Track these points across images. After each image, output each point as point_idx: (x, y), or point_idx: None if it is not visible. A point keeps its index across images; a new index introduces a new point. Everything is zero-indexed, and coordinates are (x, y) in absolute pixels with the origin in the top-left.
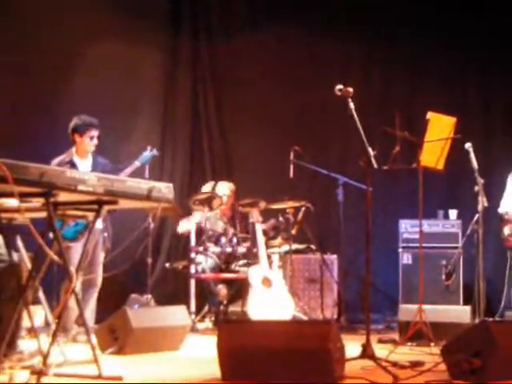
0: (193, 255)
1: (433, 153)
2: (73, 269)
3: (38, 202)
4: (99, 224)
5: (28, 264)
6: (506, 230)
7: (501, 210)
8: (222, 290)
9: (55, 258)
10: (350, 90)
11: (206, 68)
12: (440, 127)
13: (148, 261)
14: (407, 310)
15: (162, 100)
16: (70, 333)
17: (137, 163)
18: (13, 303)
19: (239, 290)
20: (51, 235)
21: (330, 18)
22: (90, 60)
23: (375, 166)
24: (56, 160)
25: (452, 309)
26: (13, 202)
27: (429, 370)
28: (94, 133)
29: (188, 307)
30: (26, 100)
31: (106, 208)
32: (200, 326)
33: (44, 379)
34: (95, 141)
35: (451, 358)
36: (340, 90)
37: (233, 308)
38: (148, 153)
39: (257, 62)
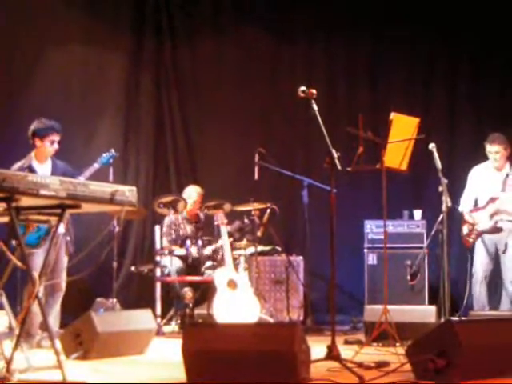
0: (158, 258)
1: (396, 153)
2: (36, 274)
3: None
4: (61, 228)
5: None
6: (464, 230)
7: (460, 208)
8: (188, 292)
9: (18, 263)
10: (313, 91)
11: (169, 71)
12: (403, 128)
13: (113, 264)
14: (372, 311)
15: (125, 103)
16: (34, 338)
17: (96, 165)
18: None
19: (205, 292)
20: (14, 242)
21: (293, 21)
22: (51, 63)
23: (339, 167)
24: (15, 165)
25: (417, 309)
26: None
27: (394, 370)
28: (55, 137)
29: (154, 310)
30: None
31: (68, 212)
32: (166, 329)
33: None
34: (56, 145)
35: (416, 358)
36: (303, 91)
37: (199, 311)
38: (107, 154)
39: (220, 65)
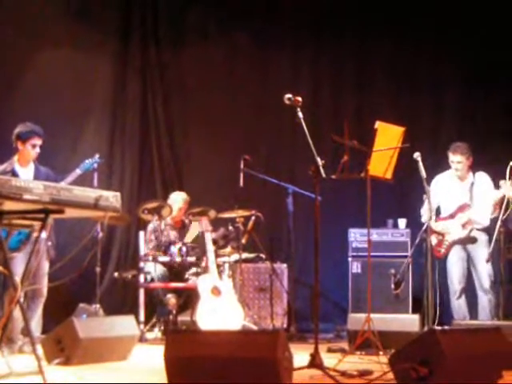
0: (142, 264)
1: (381, 162)
2: (17, 279)
3: None
4: (43, 233)
5: None
6: (433, 240)
7: (423, 218)
8: (171, 299)
9: (0, 268)
10: (299, 99)
11: (155, 77)
12: (388, 137)
13: (96, 270)
14: (356, 319)
15: (111, 108)
16: (15, 344)
17: (78, 171)
18: None
19: (188, 299)
20: None
21: (278, 29)
22: (38, 66)
23: (324, 175)
24: None
25: (401, 317)
26: None
27: (376, 378)
28: (37, 141)
29: (137, 317)
30: None
31: (52, 217)
32: (149, 335)
33: None
34: (37, 149)
35: (399, 366)
36: (289, 99)
37: (182, 317)
38: (89, 160)
39: (207, 72)
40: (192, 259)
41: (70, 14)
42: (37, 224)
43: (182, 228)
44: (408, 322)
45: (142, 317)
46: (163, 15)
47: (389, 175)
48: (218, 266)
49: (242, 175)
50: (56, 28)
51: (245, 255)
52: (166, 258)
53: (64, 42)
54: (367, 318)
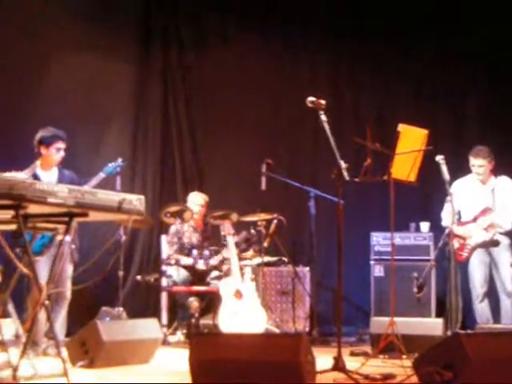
0: (164, 268)
1: (404, 165)
2: (42, 282)
3: (7, 214)
4: (67, 236)
5: None
6: (455, 244)
7: (444, 222)
8: (194, 302)
9: (25, 271)
10: (322, 102)
11: (176, 80)
12: (411, 139)
13: (119, 273)
14: (379, 323)
15: (133, 112)
16: (39, 346)
17: (102, 174)
18: None
19: (211, 302)
20: (18, 250)
21: (300, 31)
22: (60, 72)
23: (347, 178)
24: (22, 173)
25: (424, 321)
26: None
27: (400, 382)
28: (61, 145)
29: (159, 320)
30: None
31: (76, 220)
32: (171, 338)
33: None
34: (62, 153)
35: (423, 370)
36: (312, 102)
37: (204, 321)
38: (113, 164)
39: (228, 74)
40: (214, 263)
41: (90, 20)
42: (61, 227)
43: (204, 231)
44: (431, 325)
45: (164, 320)
46: (184, 18)
47: (412, 178)
48: (240, 270)
49: (264, 179)
50: (78, 32)
51: (267, 258)
52: (188, 262)
53: (85, 46)
54: (391, 321)
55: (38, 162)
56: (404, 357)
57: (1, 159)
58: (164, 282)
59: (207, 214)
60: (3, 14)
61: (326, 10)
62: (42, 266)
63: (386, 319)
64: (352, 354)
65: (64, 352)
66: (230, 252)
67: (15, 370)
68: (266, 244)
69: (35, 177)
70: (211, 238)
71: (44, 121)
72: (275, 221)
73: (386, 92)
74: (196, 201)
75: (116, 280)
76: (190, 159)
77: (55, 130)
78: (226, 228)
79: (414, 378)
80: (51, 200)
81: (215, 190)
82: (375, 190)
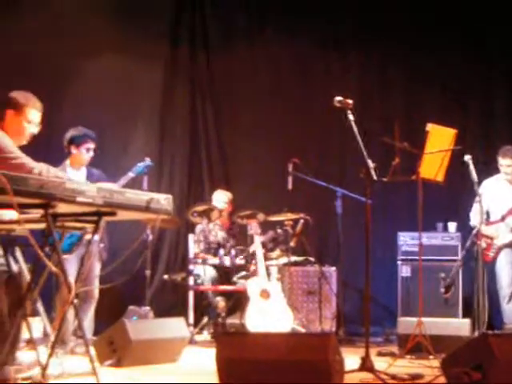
0: (191, 267)
1: (432, 165)
2: (72, 280)
3: (37, 213)
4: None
5: (27, 275)
6: (482, 244)
7: (472, 222)
8: (221, 302)
9: (55, 269)
10: (350, 101)
11: (204, 80)
12: (440, 139)
13: (146, 273)
14: (406, 323)
15: (160, 112)
16: (67, 345)
17: (130, 174)
18: (12, 314)
19: (237, 302)
20: (47, 248)
21: (327, 32)
22: (87, 72)
23: (375, 177)
24: None
25: (451, 322)
26: (10, 214)
27: (428, 383)
28: (90, 145)
29: (186, 319)
30: None
31: (104, 219)
32: (198, 338)
33: None
34: (91, 153)
35: (451, 370)
36: (339, 101)
37: (231, 320)
38: (142, 164)
39: (255, 74)
40: (241, 262)
41: (117, 21)
42: (89, 226)
43: (231, 229)
44: (458, 326)
45: (191, 319)
46: (211, 20)
47: (440, 177)
48: (267, 269)
49: (290, 178)
50: (106, 33)
51: (293, 258)
52: (215, 261)
53: (114, 47)
54: (419, 321)
55: (68, 161)
56: (431, 357)
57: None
58: (191, 281)
59: (232, 212)
60: (33, 16)
61: (353, 9)
62: (71, 265)
63: (414, 319)
64: (379, 354)
65: (92, 351)
66: (257, 251)
67: (44, 368)
68: (292, 244)
69: None
70: (237, 236)
71: (73, 120)
72: (302, 220)
73: (414, 92)
74: (220, 198)
75: (143, 279)
76: (216, 159)
77: (86, 130)
78: (253, 227)
79: (442, 379)
80: (80, 199)
81: (242, 190)
82: (402, 190)
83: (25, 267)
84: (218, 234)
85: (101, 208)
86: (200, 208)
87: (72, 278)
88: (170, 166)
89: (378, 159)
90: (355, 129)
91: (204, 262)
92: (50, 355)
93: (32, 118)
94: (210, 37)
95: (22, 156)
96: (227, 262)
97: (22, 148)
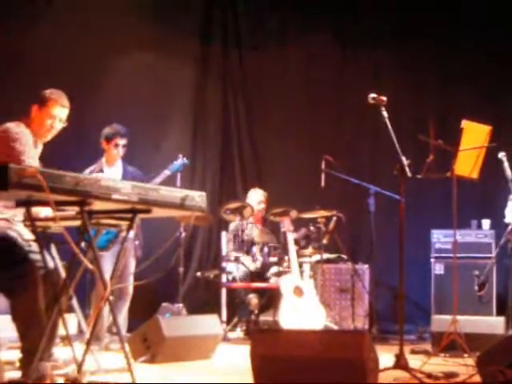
0: (224, 264)
1: (467, 162)
2: (106, 277)
3: (72, 210)
4: (130, 232)
5: (62, 272)
6: None
7: (507, 219)
8: (253, 299)
9: (90, 266)
10: (384, 98)
11: (236, 78)
12: (475, 136)
13: (180, 270)
14: (440, 321)
15: (193, 109)
16: (102, 341)
17: (167, 172)
18: (48, 311)
19: (270, 299)
20: (83, 245)
21: (359, 29)
22: (121, 71)
23: (409, 174)
24: (87, 170)
25: (485, 319)
26: (45, 211)
27: (463, 381)
28: (119, 141)
29: (219, 316)
30: None
31: (139, 217)
32: (231, 335)
33: None
34: (121, 148)
35: (486, 369)
36: (373, 98)
37: (264, 317)
38: (178, 162)
39: (287, 72)
40: (274, 259)
41: (150, 18)
42: (124, 223)
43: (264, 227)
44: (492, 324)
45: (224, 316)
46: (243, 19)
47: (475, 175)
48: (299, 267)
49: (323, 175)
50: (139, 33)
51: (326, 256)
52: (248, 258)
53: (147, 45)
54: (453, 319)
55: (104, 159)
56: (465, 355)
57: (70, 155)
58: (224, 278)
59: (267, 210)
60: (68, 16)
61: (386, 7)
62: (107, 262)
63: (447, 317)
64: (412, 352)
65: (126, 347)
66: (290, 249)
67: (80, 365)
68: (325, 241)
69: (102, 173)
70: (271, 234)
71: (106, 118)
72: (334, 218)
73: (448, 89)
74: (255, 197)
75: (176, 276)
76: (249, 156)
77: (117, 127)
78: (286, 225)
79: (477, 377)
80: (115, 196)
81: (275, 187)
82: (435, 187)
83: (60, 264)
84: (252, 232)
85: (136, 205)
86: (233, 205)
87: (107, 275)
88: (203, 164)
89: (409, 156)
90: (389, 126)
91: (237, 259)
92: (86, 352)
93: (56, 113)
94: (242, 35)
95: (25, 158)
96: (260, 259)
97: (53, 145)
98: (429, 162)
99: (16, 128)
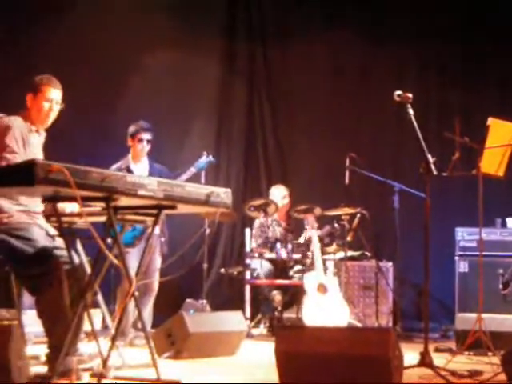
0: (248, 261)
1: (493, 159)
2: (132, 273)
3: (98, 206)
4: (156, 229)
5: (88, 268)
6: None
7: None
8: (277, 296)
9: (116, 261)
10: (409, 95)
11: (261, 75)
12: (501, 133)
13: (203, 266)
14: (464, 319)
15: (217, 107)
16: (127, 337)
17: (193, 169)
18: (73, 306)
19: (294, 296)
20: (109, 240)
21: (383, 26)
22: (147, 69)
23: (435, 172)
24: (114, 166)
25: (509, 318)
26: (71, 207)
27: (488, 379)
28: (143, 136)
29: (243, 313)
30: (83, 110)
31: (164, 213)
32: (254, 331)
33: (104, 382)
34: (145, 144)
35: (511, 367)
36: (399, 95)
37: (287, 314)
38: (204, 159)
39: (311, 69)
40: (297, 256)
41: (174, 16)
42: (149, 219)
43: (288, 224)
44: None
45: (247, 313)
46: (268, 14)
47: (501, 172)
48: (323, 264)
49: (347, 173)
50: (162, 29)
51: (350, 253)
52: (271, 255)
53: (172, 42)
54: (478, 317)
55: (130, 155)
56: (490, 354)
57: (96, 153)
58: (247, 275)
59: (290, 207)
60: (95, 15)
61: (411, 5)
62: (133, 258)
63: (472, 315)
64: (436, 350)
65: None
66: (314, 246)
67: (105, 360)
68: (349, 238)
69: (128, 169)
70: (295, 231)
71: (132, 115)
72: (358, 215)
73: (473, 86)
74: (278, 193)
75: (200, 272)
76: (273, 153)
77: (141, 123)
78: (310, 222)
79: (502, 376)
80: (141, 192)
81: (299, 184)
82: (459, 185)
83: (85, 260)
84: (276, 229)
85: (161, 201)
86: (257, 202)
87: (133, 271)
88: (227, 161)
89: (435, 154)
90: (415, 123)
91: (261, 256)
92: (112, 347)
93: (50, 96)
94: (267, 34)
95: (14, 153)
96: (284, 256)
97: (81, 143)
98: (454, 159)
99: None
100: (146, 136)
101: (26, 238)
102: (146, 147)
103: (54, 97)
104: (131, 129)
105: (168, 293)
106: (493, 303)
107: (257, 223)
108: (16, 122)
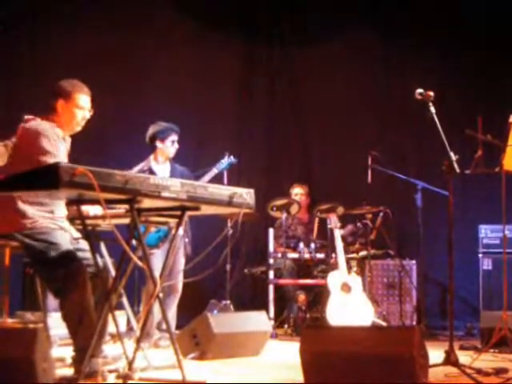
0: (271, 261)
1: None
2: (157, 274)
3: (120, 208)
4: (180, 230)
5: (112, 270)
6: None
7: None
8: (301, 295)
9: (140, 263)
10: (431, 93)
11: (282, 74)
12: None
13: (227, 267)
14: (489, 317)
15: (238, 107)
16: (151, 338)
17: (215, 170)
18: (98, 308)
19: (318, 295)
20: (134, 242)
21: (404, 24)
22: (166, 69)
23: (457, 170)
24: (136, 168)
25: None
26: (94, 209)
27: None
28: (175, 137)
29: (267, 313)
30: (103, 111)
31: (188, 214)
32: (278, 331)
33: (129, 383)
34: (176, 145)
35: None
36: (420, 93)
37: (312, 314)
38: (226, 160)
39: (332, 68)
40: (321, 256)
41: (198, 15)
42: (172, 221)
43: (309, 223)
44: None
45: (271, 313)
46: (287, 14)
47: None
48: (346, 263)
49: (370, 171)
50: (182, 30)
51: (373, 252)
52: (294, 255)
53: (192, 42)
54: (504, 315)
55: (152, 157)
56: None
57: (117, 154)
58: (271, 275)
59: (311, 206)
60: (113, 16)
61: (433, 4)
62: (157, 259)
63: (497, 313)
64: (461, 348)
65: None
66: (337, 245)
67: (131, 361)
68: (372, 237)
69: (151, 171)
70: (317, 230)
71: (152, 116)
72: (381, 213)
73: (495, 82)
74: (296, 192)
75: (223, 273)
76: (296, 152)
77: (168, 124)
78: (333, 221)
79: None
80: (165, 194)
81: (321, 184)
82: (482, 182)
83: (109, 262)
84: (298, 228)
85: (185, 203)
86: (279, 202)
87: (157, 273)
88: (249, 161)
89: (457, 152)
90: (437, 121)
91: (284, 255)
92: (137, 349)
93: (82, 103)
94: (287, 30)
95: (55, 156)
96: (307, 255)
97: (101, 144)
98: (477, 157)
99: (47, 126)
100: (177, 138)
101: (49, 242)
102: (175, 148)
103: (86, 104)
104: (159, 130)
105: (192, 294)
106: None
107: (278, 223)
108: (49, 126)
